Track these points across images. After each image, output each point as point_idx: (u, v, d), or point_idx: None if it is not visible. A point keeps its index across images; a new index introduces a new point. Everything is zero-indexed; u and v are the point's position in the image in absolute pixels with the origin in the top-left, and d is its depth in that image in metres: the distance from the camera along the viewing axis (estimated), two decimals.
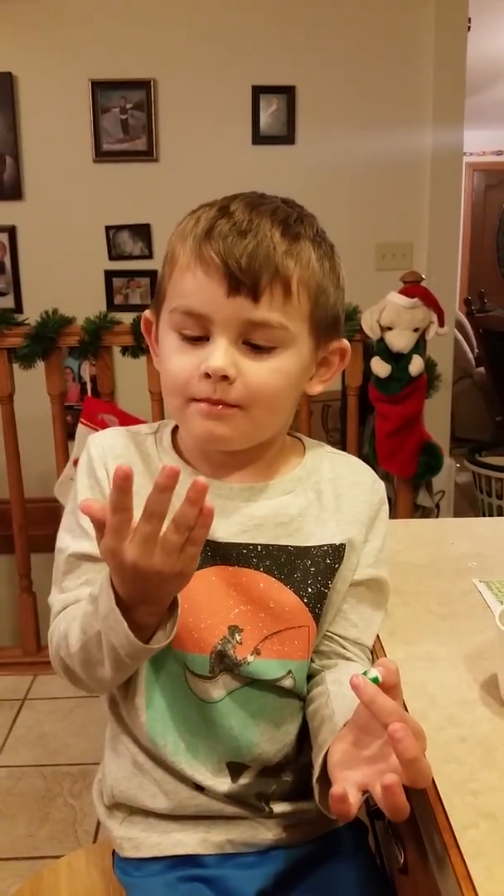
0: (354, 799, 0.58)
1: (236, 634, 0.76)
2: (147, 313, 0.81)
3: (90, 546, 0.76)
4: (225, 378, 0.70)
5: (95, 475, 0.79)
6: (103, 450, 0.81)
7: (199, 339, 0.72)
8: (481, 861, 0.53)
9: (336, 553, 0.79)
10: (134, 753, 0.80)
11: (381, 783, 0.54)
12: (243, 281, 0.69)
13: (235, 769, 0.78)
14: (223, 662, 0.76)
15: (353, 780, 0.59)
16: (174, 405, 0.76)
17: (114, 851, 0.84)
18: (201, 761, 0.78)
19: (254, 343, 0.72)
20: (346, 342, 0.80)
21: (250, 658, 0.76)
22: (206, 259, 0.70)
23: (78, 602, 0.76)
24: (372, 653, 0.83)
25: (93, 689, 0.79)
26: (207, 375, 0.71)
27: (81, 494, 0.79)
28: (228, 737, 0.77)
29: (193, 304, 0.71)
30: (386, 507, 0.85)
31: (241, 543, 0.77)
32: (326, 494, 0.82)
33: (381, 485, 0.86)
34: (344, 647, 0.81)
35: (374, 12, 2.87)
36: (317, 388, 0.80)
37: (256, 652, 0.76)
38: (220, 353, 0.70)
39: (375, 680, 0.58)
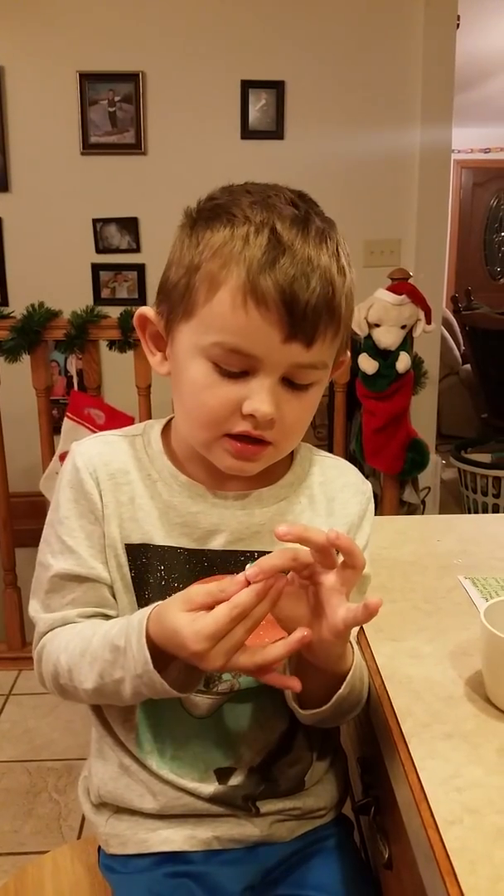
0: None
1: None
2: (149, 312, 0.75)
3: (74, 564, 0.75)
4: (270, 421, 0.69)
5: (83, 487, 0.76)
6: (91, 459, 0.77)
7: (239, 373, 0.69)
8: (465, 856, 0.53)
9: None
10: (120, 757, 0.80)
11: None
12: (303, 329, 0.66)
13: (223, 773, 0.78)
14: (220, 675, 0.75)
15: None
16: (202, 438, 0.72)
17: (99, 848, 0.84)
18: (188, 771, 0.78)
19: (292, 381, 0.70)
20: (347, 353, 0.79)
21: None
22: (264, 300, 0.64)
23: (67, 625, 0.75)
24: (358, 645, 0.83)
25: (82, 704, 0.79)
26: (251, 415, 0.68)
27: (64, 507, 0.76)
28: (215, 745, 0.77)
29: (244, 344, 0.66)
30: (372, 505, 0.85)
31: (238, 551, 0.76)
32: (318, 499, 0.81)
33: (368, 484, 0.86)
34: None
35: (363, 9, 2.86)
36: None
37: None
38: (267, 397, 0.68)
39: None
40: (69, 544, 0.75)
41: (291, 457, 0.83)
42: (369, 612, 0.61)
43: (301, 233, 0.66)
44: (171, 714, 0.77)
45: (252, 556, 0.76)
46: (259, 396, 0.67)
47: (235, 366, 0.68)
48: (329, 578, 0.63)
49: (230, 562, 0.76)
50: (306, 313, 0.65)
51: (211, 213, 0.69)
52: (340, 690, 0.69)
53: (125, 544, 0.76)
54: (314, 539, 0.61)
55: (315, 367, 0.70)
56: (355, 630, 0.81)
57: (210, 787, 0.77)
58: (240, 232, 0.66)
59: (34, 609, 0.79)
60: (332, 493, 0.82)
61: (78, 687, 0.72)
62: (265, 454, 0.72)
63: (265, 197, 0.69)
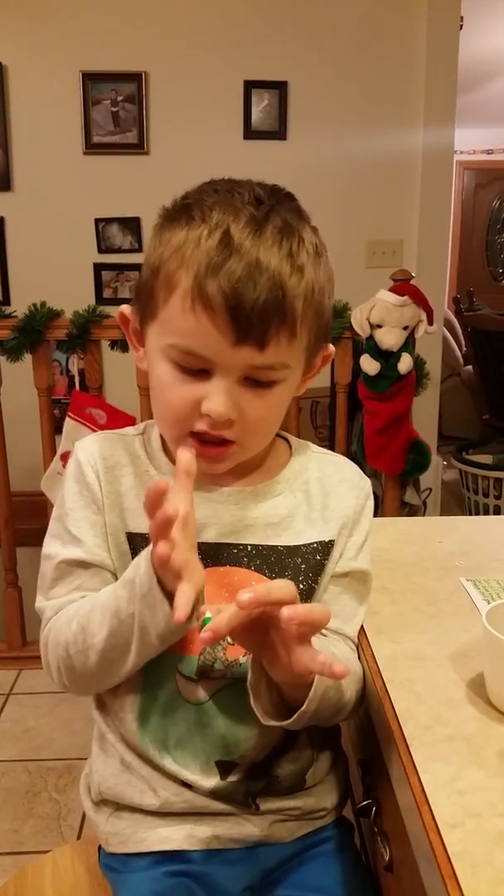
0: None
1: (216, 643, 0.75)
2: (127, 310, 0.78)
3: (81, 552, 0.77)
4: (228, 421, 0.70)
5: (85, 479, 0.79)
6: (91, 454, 0.80)
7: (198, 372, 0.70)
8: (467, 860, 0.53)
9: (325, 549, 0.80)
10: (122, 753, 0.80)
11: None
12: (252, 332, 0.66)
13: (224, 767, 0.78)
14: (213, 665, 0.76)
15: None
16: (169, 435, 0.76)
17: (100, 847, 0.84)
18: (190, 762, 0.78)
19: (255, 379, 0.70)
20: (331, 347, 0.79)
21: (242, 659, 0.76)
22: (210, 304, 0.65)
23: (73, 602, 0.76)
24: (358, 648, 0.83)
25: (90, 686, 0.79)
26: (208, 415, 0.69)
27: (70, 500, 0.79)
28: (216, 736, 0.77)
29: (195, 347, 0.68)
30: (371, 501, 0.86)
31: (231, 544, 0.77)
32: (314, 494, 0.82)
33: (367, 481, 0.87)
34: (324, 636, 0.80)
35: (367, 9, 2.86)
36: (300, 391, 0.80)
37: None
38: (222, 398, 0.69)
39: (208, 620, 0.60)
40: (75, 534, 0.77)
41: (289, 453, 0.84)
42: (332, 675, 0.61)
43: (254, 234, 0.66)
44: (173, 705, 0.77)
45: (245, 548, 0.77)
46: (215, 397, 0.69)
47: (192, 364, 0.69)
48: (290, 628, 0.62)
49: (222, 554, 0.77)
50: (252, 317, 0.65)
51: (177, 213, 0.71)
52: (303, 707, 0.67)
53: (126, 533, 0.77)
54: (277, 599, 0.60)
55: (273, 369, 0.70)
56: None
57: (211, 781, 0.77)
58: (193, 234, 0.67)
59: (40, 601, 0.80)
60: (328, 489, 0.83)
61: (90, 642, 0.71)
62: (229, 454, 0.74)
63: (229, 196, 0.69)
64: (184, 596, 0.61)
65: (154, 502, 0.60)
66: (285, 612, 0.59)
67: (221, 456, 0.73)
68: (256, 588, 0.59)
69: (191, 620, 0.65)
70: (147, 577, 0.66)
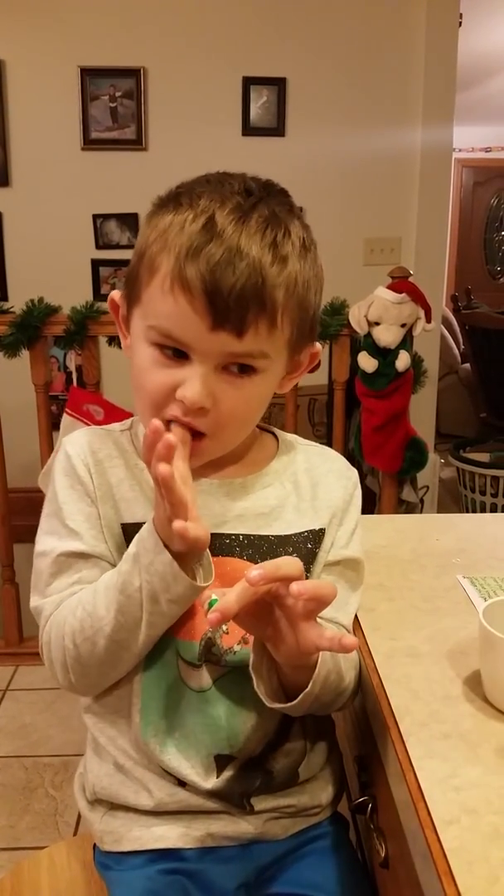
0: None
1: (223, 624, 0.75)
2: (117, 296, 0.78)
3: (81, 545, 0.76)
4: (201, 408, 0.70)
5: (76, 472, 0.78)
6: (81, 447, 0.80)
7: (178, 355, 0.70)
8: (463, 856, 0.53)
9: (316, 538, 0.81)
10: (115, 756, 0.80)
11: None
12: (229, 318, 0.66)
13: (221, 762, 0.78)
14: (211, 651, 0.76)
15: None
16: (146, 420, 0.75)
17: (94, 845, 0.84)
18: (190, 755, 0.78)
19: (233, 367, 0.70)
20: (317, 346, 0.79)
21: (237, 647, 0.76)
22: (189, 287, 0.66)
23: (74, 595, 0.76)
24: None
25: (98, 679, 0.77)
26: (182, 401, 0.69)
27: (62, 494, 0.78)
28: (216, 727, 0.77)
29: (173, 329, 0.68)
30: (359, 490, 0.86)
31: (223, 534, 0.77)
32: (303, 484, 0.83)
33: (354, 471, 0.87)
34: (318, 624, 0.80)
35: (366, 6, 2.86)
36: (285, 388, 0.80)
37: (244, 641, 0.76)
38: (197, 385, 0.68)
39: (214, 601, 0.60)
40: (72, 527, 0.77)
41: (276, 446, 0.85)
42: (343, 648, 0.61)
43: (238, 221, 0.67)
44: (176, 694, 0.77)
45: (237, 538, 0.78)
46: (190, 383, 0.69)
47: (172, 350, 0.70)
48: (297, 605, 0.62)
49: (214, 544, 0.76)
50: (229, 302, 0.65)
51: (168, 200, 0.72)
52: (308, 688, 0.68)
53: (121, 524, 0.77)
54: (286, 575, 0.60)
55: (252, 356, 0.70)
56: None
57: (209, 780, 0.77)
58: (179, 219, 0.68)
59: (35, 601, 0.79)
60: (317, 479, 0.84)
61: (97, 626, 0.71)
62: (202, 448, 0.73)
63: (220, 186, 0.70)
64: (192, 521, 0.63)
65: (154, 439, 0.61)
66: (294, 587, 0.59)
67: (194, 451, 0.73)
68: (265, 564, 0.60)
69: (202, 577, 0.67)
70: (151, 541, 0.67)
